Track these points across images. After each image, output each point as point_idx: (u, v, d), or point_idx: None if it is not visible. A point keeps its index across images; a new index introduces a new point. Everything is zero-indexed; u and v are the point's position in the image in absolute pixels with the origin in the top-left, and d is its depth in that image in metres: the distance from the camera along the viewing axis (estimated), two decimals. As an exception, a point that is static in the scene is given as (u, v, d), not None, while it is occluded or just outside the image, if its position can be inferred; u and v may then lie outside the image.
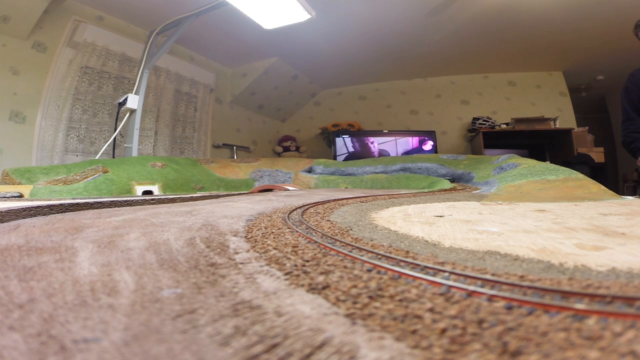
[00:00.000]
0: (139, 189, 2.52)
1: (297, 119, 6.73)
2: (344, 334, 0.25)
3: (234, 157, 5.30)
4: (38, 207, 1.07)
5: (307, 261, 0.42)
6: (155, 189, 2.59)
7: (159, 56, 3.60)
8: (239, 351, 0.23)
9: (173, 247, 0.52)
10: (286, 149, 6.15)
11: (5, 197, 2.27)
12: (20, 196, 2.34)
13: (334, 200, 1.19)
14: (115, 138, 3.37)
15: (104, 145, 3.33)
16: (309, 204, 1.01)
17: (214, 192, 2.41)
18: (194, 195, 1.64)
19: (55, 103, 3.76)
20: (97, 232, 0.68)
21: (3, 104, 3.56)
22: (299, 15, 3.21)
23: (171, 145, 4.64)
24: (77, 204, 1.17)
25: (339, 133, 5.59)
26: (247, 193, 2.19)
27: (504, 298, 0.30)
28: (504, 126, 5.06)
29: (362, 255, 0.43)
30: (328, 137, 5.87)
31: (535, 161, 2.09)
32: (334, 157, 5.34)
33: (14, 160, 3.40)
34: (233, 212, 0.90)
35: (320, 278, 0.36)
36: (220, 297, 0.32)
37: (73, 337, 0.26)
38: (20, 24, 3.60)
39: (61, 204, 1.13)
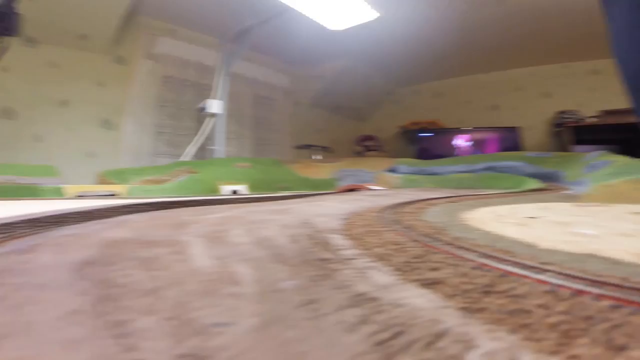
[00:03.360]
0: (226, 189, 2.66)
1: (376, 118, 6.71)
2: (459, 325, 0.28)
3: (315, 158, 5.40)
4: (139, 204, 1.17)
5: (414, 258, 0.45)
6: (241, 188, 2.72)
7: (234, 64, 3.77)
8: (366, 337, 0.26)
9: (278, 243, 0.57)
10: (367, 149, 6.15)
11: (100, 196, 2.52)
12: (115, 195, 2.57)
13: (422, 200, 1.20)
14: (200, 141, 3.57)
15: (190, 148, 3.55)
16: (398, 204, 1.03)
17: (300, 192, 2.50)
18: (282, 195, 1.72)
19: (141, 110, 4.09)
20: (201, 228, 0.75)
21: (93, 113, 3.96)
22: (367, 14, 3.23)
23: (255, 147, 4.84)
24: (174, 201, 1.26)
25: (419, 131, 5.49)
26: (333, 193, 2.25)
27: (609, 298, 0.31)
28: (592, 120, 4.77)
29: (465, 254, 0.46)
30: (408, 135, 5.84)
31: (628, 158, 1.96)
32: (415, 156, 5.25)
33: (106, 163, 3.71)
34: (325, 211, 0.94)
35: (429, 274, 0.39)
36: (337, 289, 0.36)
37: (207, 322, 0.30)
38: (99, 40, 3.97)
39: (160, 202, 1.23)
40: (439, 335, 0.26)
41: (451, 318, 0.29)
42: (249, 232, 0.68)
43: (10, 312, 0.33)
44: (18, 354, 0.26)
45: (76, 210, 1.09)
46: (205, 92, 4.36)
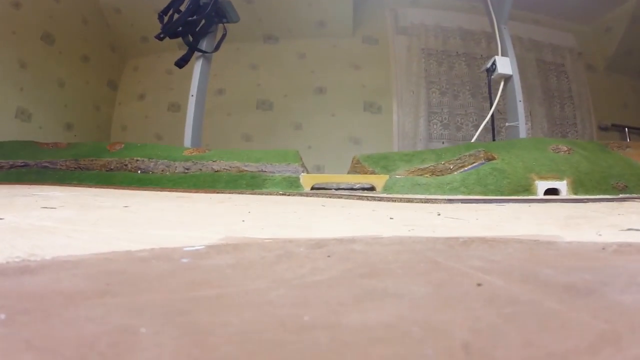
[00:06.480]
0: (541, 185, 1.91)
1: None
2: None
3: (627, 142, 4.15)
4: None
5: None
6: (563, 185, 1.94)
7: (504, 20, 3.13)
8: None
9: None
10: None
11: (354, 189, 2.10)
12: (372, 188, 2.11)
13: None
14: (492, 115, 2.85)
15: (472, 131, 3.03)
16: None
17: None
18: None
19: (408, 89, 3.76)
20: None
21: (354, 97, 3.91)
22: None
23: (550, 127, 3.99)
24: None
25: None
26: None
27: None
28: None
29: None
30: None
31: None
32: None
33: (373, 149, 3.41)
34: None
35: None
36: None
37: None
38: (339, 24, 3.97)
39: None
40: None
41: None
42: None
43: None
44: None
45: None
46: (478, 61, 3.80)
